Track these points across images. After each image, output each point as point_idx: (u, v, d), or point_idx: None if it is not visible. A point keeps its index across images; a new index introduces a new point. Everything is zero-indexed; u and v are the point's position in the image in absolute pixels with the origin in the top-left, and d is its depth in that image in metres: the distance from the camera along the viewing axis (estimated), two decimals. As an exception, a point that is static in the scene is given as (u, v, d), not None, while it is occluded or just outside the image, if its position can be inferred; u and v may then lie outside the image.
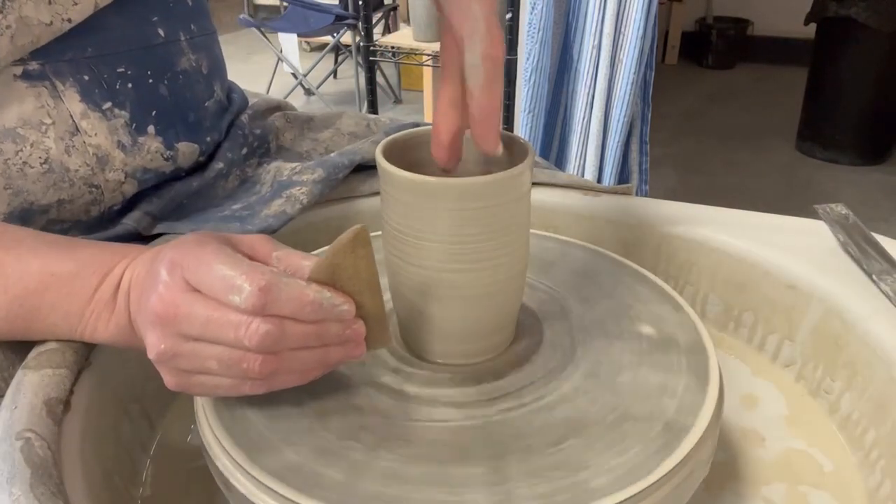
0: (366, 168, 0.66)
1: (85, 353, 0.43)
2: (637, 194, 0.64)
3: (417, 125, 0.59)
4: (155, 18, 0.55)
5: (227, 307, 0.33)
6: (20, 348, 0.43)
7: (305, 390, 0.40)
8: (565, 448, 0.36)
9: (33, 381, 0.39)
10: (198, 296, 0.34)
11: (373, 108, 2.08)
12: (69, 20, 0.48)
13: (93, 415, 0.42)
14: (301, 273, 0.36)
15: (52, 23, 0.47)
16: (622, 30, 1.54)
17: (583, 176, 1.66)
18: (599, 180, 1.68)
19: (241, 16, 3.13)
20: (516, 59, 1.71)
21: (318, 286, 0.34)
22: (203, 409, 0.39)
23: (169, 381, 0.36)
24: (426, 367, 0.42)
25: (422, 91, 3.06)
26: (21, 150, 0.48)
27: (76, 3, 0.48)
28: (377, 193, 0.65)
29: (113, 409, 0.45)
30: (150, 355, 0.35)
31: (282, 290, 0.33)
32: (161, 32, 0.55)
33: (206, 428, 0.38)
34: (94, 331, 0.41)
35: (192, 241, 0.36)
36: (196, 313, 0.34)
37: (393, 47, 2.45)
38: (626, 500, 0.33)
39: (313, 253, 0.43)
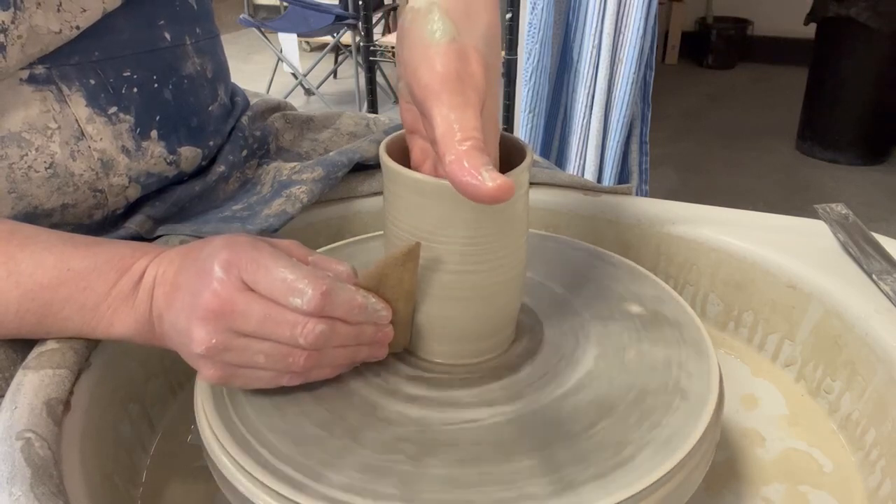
0: (365, 168, 0.66)
1: (85, 354, 0.43)
2: (637, 194, 0.64)
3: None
4: (161, 22, 0.55)
5: (284, 307, 0.36)
6: (21, 348, 0.44)
7: (305, 390, 0.40)
8: (602, 429, 0.36)
9: (33, 382, 0.39)
10: (254, 295, 0.36)
11: (373, 108, 2.08)
12: (77, 27, 0.48)
13: (93, 415, 0.42)
14: (337, 277, 0.38)
15: (61, 31, 0.47)
16: (622, 30, 1.54)
17: (583, 176, 1.66)
18: (599, 180, 1.68)
19: (242, 16, 3.13)
20: (516, 59, 1.71)
21: (364, 291, 0.38)
22: (203, 409, 0.39)
23: (211, 374, 0.38)
24: (425, 367, 0.42)
25: (422, 91, 3.05)
26: (26, 155, 0.48)
27: (84, 10, 0.48)
28: (377, 193, 0.65)
29: (113, 409, 0.45)
30: (197, 349, 0.36)
31: (338, 294, 0.36)
32: (167, 36, 0.55)
33: (206, 428, 0.38)
34: (109, 325, 0.42)
35: (245, 244, 0.38)
36: (253, 311, 0.36)
37: (393, 47, 2.45)
38: (624, 500, 0.33)
39: (318, 251, 0.43)
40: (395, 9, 3.01)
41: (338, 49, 3.58)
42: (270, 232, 0.55)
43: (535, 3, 1.54)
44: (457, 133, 0.33)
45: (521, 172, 0.38)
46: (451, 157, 0.32)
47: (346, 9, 3.00)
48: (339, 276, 0.38)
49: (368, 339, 0.39)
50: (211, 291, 0.36)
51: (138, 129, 0.53)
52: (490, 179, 0.31)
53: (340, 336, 0.38)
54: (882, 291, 0.49)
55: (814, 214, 0.59)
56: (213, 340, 0.36)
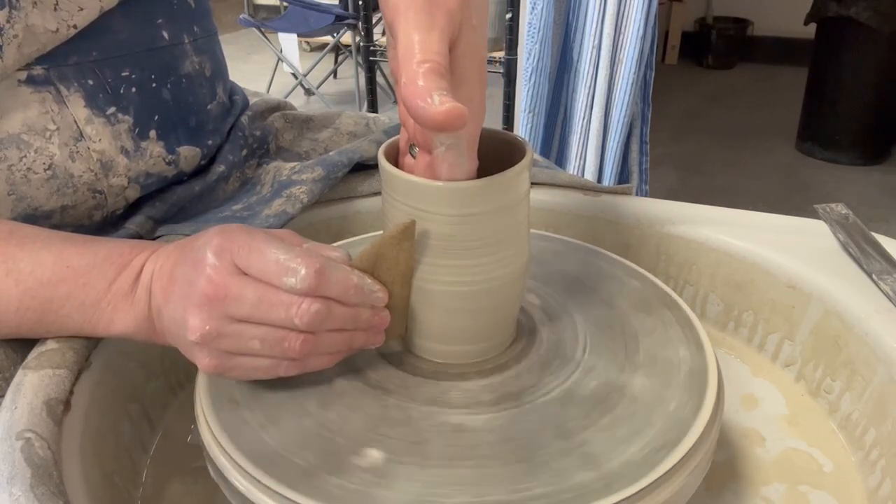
0: (365, 168, 0.66)
1: (85, 354, 0.43)
2: (637, 194, 0.64)
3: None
4: (159, 21, 0.55)
5: (278, 289, 0.36)
6: (21, 348, 0.44)
7: (305, 390, 0.40)
8: (563, 448, 0.36)
9: (33, 382, 0.39)
10: (248, 279, 0.36)
11: (373, 107, 2.08)
12: (74, 26, 0.48)
13: (93, 415, 0.42)
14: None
15: (57, 30, 0.47)
16: (622, 30, 1.54)
17: (583, 176, 1.66)
18: (599, 180, 1.68)
19: (242, 16, 3.13)
20: (516, 58, 1.71)
21: (359, 272, 0.38)
22: (203, 409, 0.39)
23: (207, 363, 0.37)
24: (426, 367, 0.42)
25: (422, 91, 3.05)
26: (25, 157, 0.48)
27: (81, 9, 0.48)
28: (377, 193, 0.65)
29: (113, 409, 0.45)
30: (192, 337, 0.36)
31: (332, 273, 0.36)
32: (165, 35, 0.55)
33: (206, 428, 0.38)
34: (109, 323, 0.42)
35: (237, 230, 0.37)
36: (246, 295, 0.36)
37: (393, 47, 2.45)
38: (624, 500, 0.33)
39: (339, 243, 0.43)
40: (395, 9, 3.01)
41: (338, 49, 3.58)
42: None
43: (535, 3, 1.54)
44: (416, 54, 0.31)
45: (521, 171, 0.38)
46: (405, 79, 0.31)
47: (346, 9, 3.00)
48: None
49: (365, 323, 0.38)
50: (205, 278, 0.36)
51: (137, 130, 0.53)
52: (440, 103, 0.30)
53: (336, 318, 0.37)
54: (882, 291, 0.49)
55: (814, 214, 0.59)
56: (207, 327, 0.36)
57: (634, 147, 1.68)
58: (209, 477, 0.38)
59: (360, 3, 2.03)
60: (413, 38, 0.32)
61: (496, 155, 0.40)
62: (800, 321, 0.53)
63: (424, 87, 0.31)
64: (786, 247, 0.55)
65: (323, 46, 3.62)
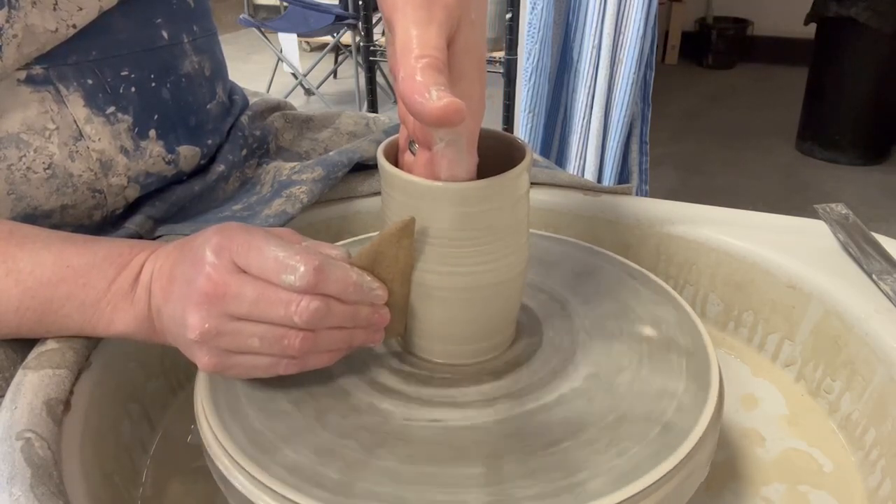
0: (365, 168, 0.66)
1: (85, 354, 0.43)
2: (637, 194, 0.64)
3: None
4: (158, 20, 0.55)
5: (277, 286, 0.35)
6: (21, 348, 0.44)
7: (304, 390, 0.40)
8: (563, 448, 0.36)
9: (33, 382, 0.39)
10: (247, 277, 0.36)
11: (373, 108, 2.08)
12: (74, 26, 0.48)
13: (93, 415, 0.42)
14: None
15: (57, 30, 0.47)
16: (622, 30, 1.54)
17: (583, 176, 1.66)
18: (599, 180, 1.68)
19: (242, 16, 3.13)
20: (516, 58, 1.71)
21: (359, 269, 0.37)
22: (203, 409, 0.39)
23: (206, 362, 0.37)
24: (426, 367, 0.42)
25: (422, 91, 3.05)
26: (24, 156, 0.48)
27: (81, 9, 0.48)
28: (377, 193, 0.65)
29: (113, 409, 0.45)
30: (191, 336, 0.36)
31: (331, 270, 0.36)
32: (165, 34, 0.55)
33: (206, 428, 0.38)
34: (109, 323, 0.42)
35: (236, 228, 0.37)
36: (245, 292, 0.35)
37: (393, 47, 2.44)
38: (624, 500, 0.33)
39: (339, 244, 0.43)
40: (395, 9, 3.01)
41: (338, 49, 3.58)
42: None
43: (535, 3, 1.54)
44: (414, 49, 0.31)
45: (521, 172, 0.38)
46: (403, 74, 0.31)
47: (346, 9, 3.00)
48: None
49: (364, 320, 0.38)
50: (204, 276, 0.36)
51: (137, 129, 0.53)
52: (438, 98, 0.30)
53: (335, 316, 0.37)
54: (882, 291, 0.49)
55: (814, 214, 0.59)
56: (207, 325, 0.36)
57: (634, 147, 1.68)
58: (209, 477, 0.38)
59: (360, 3, 2.03)
60: (411, 33, 0.32)
61: (496, 155, 0.40)
62: (800, 321, 0.53)
63: (422, 82, 0.30)
64: (786, 247, 0.55)
65: (323, 46, 3.62)
